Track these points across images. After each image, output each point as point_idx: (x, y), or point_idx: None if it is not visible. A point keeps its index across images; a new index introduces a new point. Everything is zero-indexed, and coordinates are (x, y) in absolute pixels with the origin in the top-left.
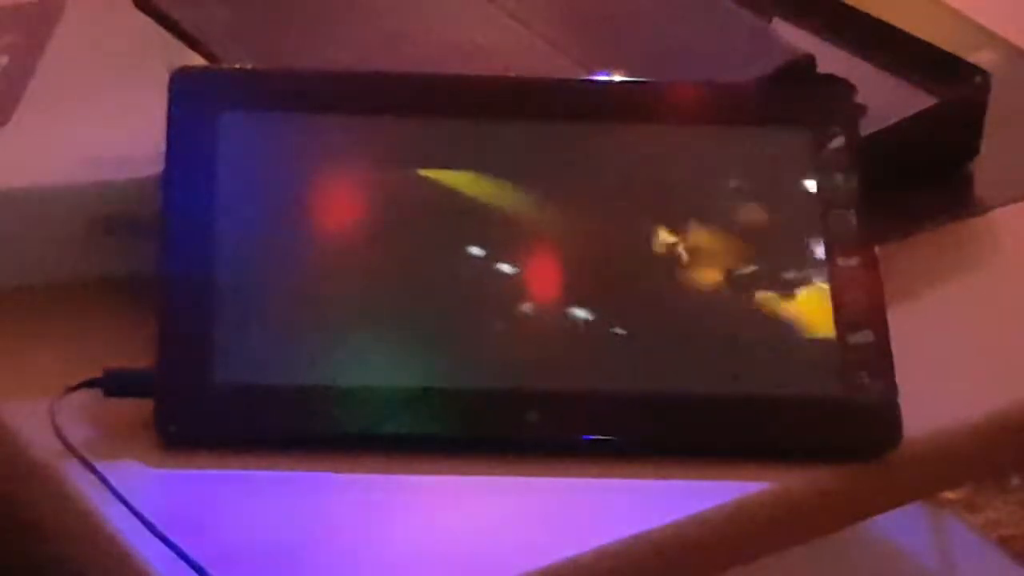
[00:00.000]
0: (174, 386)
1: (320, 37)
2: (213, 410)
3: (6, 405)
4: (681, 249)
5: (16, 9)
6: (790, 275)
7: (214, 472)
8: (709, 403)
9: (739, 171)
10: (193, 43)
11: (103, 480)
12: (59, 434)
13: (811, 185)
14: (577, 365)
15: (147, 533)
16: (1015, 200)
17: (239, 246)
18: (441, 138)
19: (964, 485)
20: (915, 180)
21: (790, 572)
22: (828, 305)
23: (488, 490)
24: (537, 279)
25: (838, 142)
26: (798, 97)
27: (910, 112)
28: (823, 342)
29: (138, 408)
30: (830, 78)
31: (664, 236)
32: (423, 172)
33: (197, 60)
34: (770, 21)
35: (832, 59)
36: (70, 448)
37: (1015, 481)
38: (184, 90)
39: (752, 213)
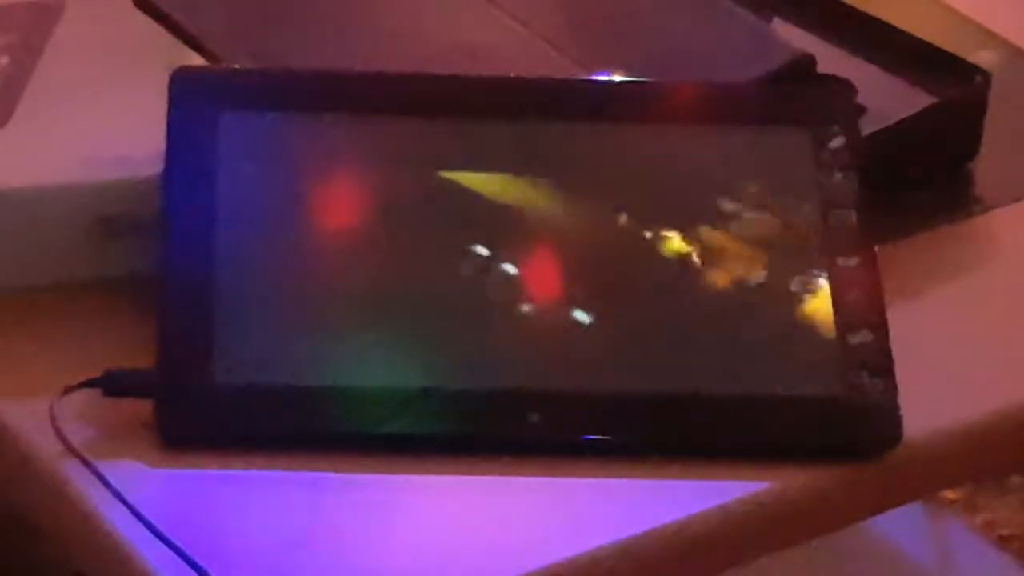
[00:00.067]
0: (174, 386)
1: (320, 37)
2: (213, 410)
3: (6, 405)
4: (680, 249)
5: (16, 9)
6: (790, 275)
7: (214, 472)
8: (709, 403)
9: (739, 171)
10: (193, 43)
11: (103, 480)
12: (59, 434)
13: (811, 185)
14: (578, 365)
15: (147, 533)
16: (1015, 200)
17: (239, 246)
18: (441, 138)
19: (964, 485)
20: (915, 180)
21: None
22: (828, 305)
23: (488, 490)
24: (537, 279)
25: (838, 142)
26: (798, 97)
27: (910, 112)
28: (823, 342)
29: (138, 408)
30: (830, 78)
31: (664, 236)
32: (424, 172)
33: (197, 60)
34: (770, 21)
35: (832, 59)
36: (70, 448)
37: (1015, 481)
38: (184, 90)
39: (752, 213)
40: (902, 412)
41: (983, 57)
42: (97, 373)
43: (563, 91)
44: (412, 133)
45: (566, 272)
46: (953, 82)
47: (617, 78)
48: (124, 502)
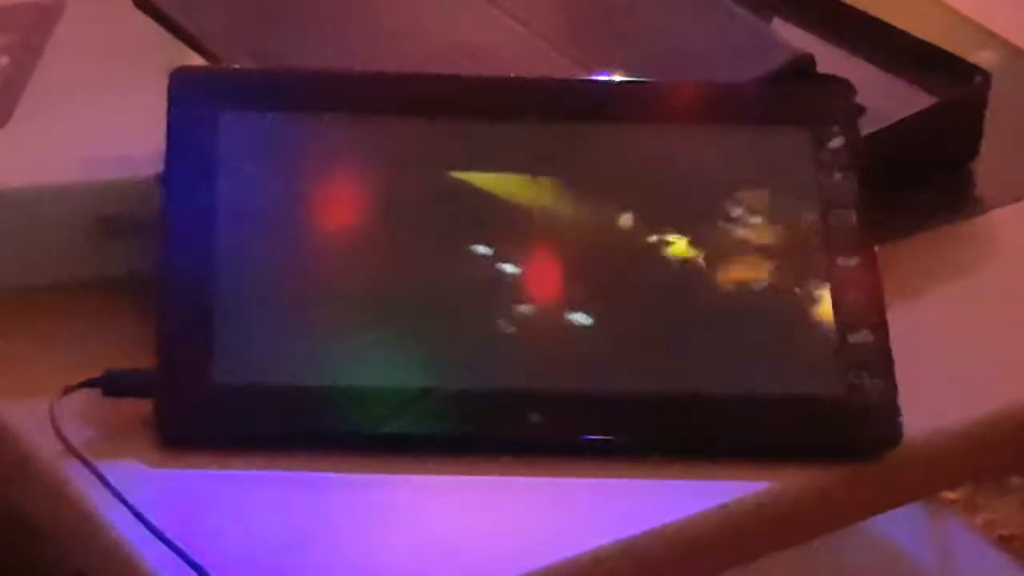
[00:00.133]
0: (174, 386)
1: (320, 37)
2: (213, 410)
3: (6, 405)
4: (680, 249)
5: (16, 9)
6: (790, 275)
7: (214, 472)
8: (709, 403)
9: (739, 171)
10: (193, 43)
11: (103, 480)
12: (59, 434)
13: (811, 185)
14: (578, 365)
15: (147, 533)
16: (1015, 200)
17: (239, 246)
18: (441, 138)
19: (964, 485)
20: (915, 180)
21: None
22: (828, 305)
23: (488, 490)
24: (537, 279)
25: (838, 142)
26: (798, 97)
27: (910, 112)
28: (823, 342)
29: (138, 408)
30: (830, 78)
31: (663, 236)
32: (423, 172)
33: (197, 60)
34: (770, 21)
35: (832, 59)
36: (70, 448)
37: (1015, 481)
38: (184, 90)
39: (752, 214)
40: (902, 412)
41: (983, 57)
42: (97, 373)
43: (563, 91)
44: (412, 133)
45: (566, 272)
46: (953, 82)
47: (617, 78)
48: (124, 502)
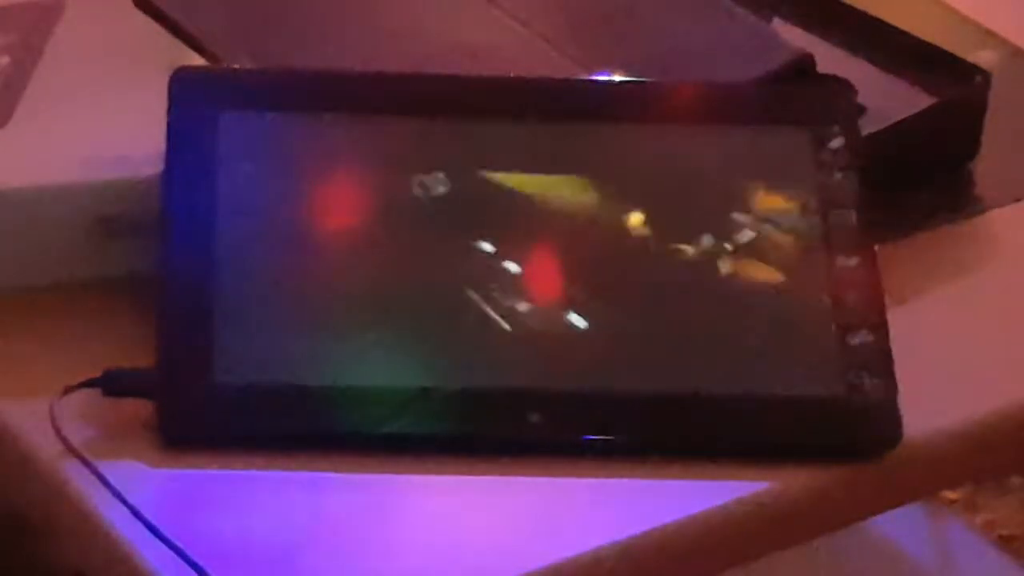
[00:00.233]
0: (174, 386)
1: (320, 37)
2: (213, 410)
3: (6, 405)
4: (680, 249)
5: (16, 9)
6: (790, 275)
7: (214, 472)
8: (709, 403)
9: (739, 171)
10: (193, 43)
11: (103, 480)
12: (59, 434)
13: (811, 185)
14: (578, 365)
15: (147, 533)
16: (1015, 200)
17: (239, 246)
18: (441, 139)
19: (964, 485)
20: (915, 180)
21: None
22: (828, 305)
23: (488, 490)
24: (537, 279)
25: (838, 142)
26: (798, 97)
27: (910, 112)
28: (823, 342)
29: (138, 408)
30: (830, 78)
31: (662, 236)
32: (424, 172)
33: (197, 60)
34: (770, 21)
35: (832, 59)
36: (70, 448)
37: (1015, 481)
38: (184, 90)
39: (752, 213)
40: (902, 412)
41: (983, 57)
42: (97, 373)
43: (563, 91)
44: (412, 133)
45: (566, 271)
46: (953, 82)
47: (617, 78)
48: (124, 502)
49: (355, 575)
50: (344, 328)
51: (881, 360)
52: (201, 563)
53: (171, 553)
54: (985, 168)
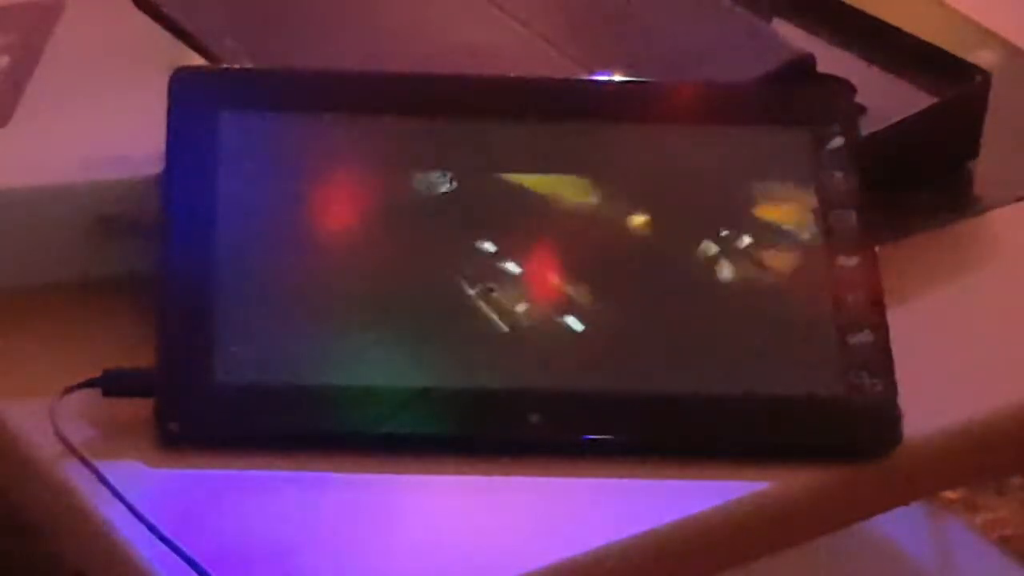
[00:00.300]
0: (174, 386)
1: (320, 37)
2: (213, 410)
3: (6, 405)
4: (680, 249)
5: (16, 9)
6: (790, 275)
7: (214, 472)
8: (709, 403)
9: (739, 171)
10: (193, 43)
11: (103, 480)
12: (59, 434)
13: (811, 185)
14: (578, 365)
15: (147, 533)
16: (1015, 200)
17: (239, 246)
18: (441, 138)
19: (964, 485)
20: (915, 180)
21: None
22: (828, 305)
23: (488, 490)
24: (537, 278)
25: (838, 142)
26: (798, 97)
27: (910, 112)
28: (823, 342)
29: (138, 408)
30: (830, 78)
31: (663, 236)
32: (424, 172)
33: (197, 60)
34: (770, 21)
35: (832, 59)
36: (70, 448)
37: (1015, 481)
38: (184, 90)
39: (752, 214)
40: (902, 412)
41: (983, 57)
42: (97, 373)
43: (563, 91)
44: (412, 133)
45: (566, 271)
46: (953, 82)
47: (617, 78)
48: (124, 502)
49: (355, 575)
50: (344, 328)
51: (881, 360)
52: (201, 563)
53: (171, 553)
54: (985, 168)
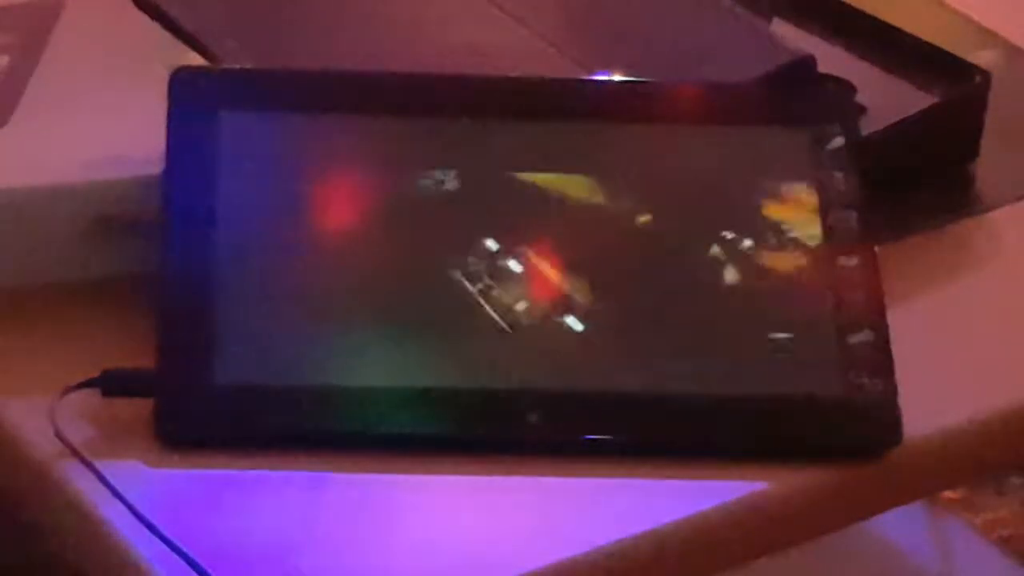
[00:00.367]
0: (174, 386)
1: (320, 37)
2: (213, 410)
3: (6, 405)
4: (680, 249)
5: (16, 9)
6: (790, 275)
7: (214, 472)
8: (709, 403)
9: (739, 171)
10: (193, 43)
11: (103, 480)
12: (59, 434)
13: (811, 185)
14: (578, 365)
15: (147, 533)
16: (1015, 200)
17: (239, 246)
18: (441, 139)
19: (964, 485)
20: (915, 180)
21: (790, 572)
22: (828, 305)
23: (488, 490)
24: (537, 278)
25: (838, 142)
26: (798, 97)
27: (910, 112)
28: (823, 342)
29: (138, 408)
30: (830, 78)
31: (662, 236)
32: (423, 172)
33: (197, 60)
34: (770, 21)
35: (832, 59)
36: (70, 448)
37: (1015, 481)
38: (184, 90)
39: (752, 214)
40: (902, 412)
41: (983, 57)
42: (97, 373)
43: (563, 91)
44: (412, 133)
45: (566, 271)
46: (953, 82)
47: (617, 78)
48: (124, 502)
49: (355, 575)
50: (344, 328)
51: (881, 360)
52: (200, 562)
53: (171, 552)
54: (985, 168)
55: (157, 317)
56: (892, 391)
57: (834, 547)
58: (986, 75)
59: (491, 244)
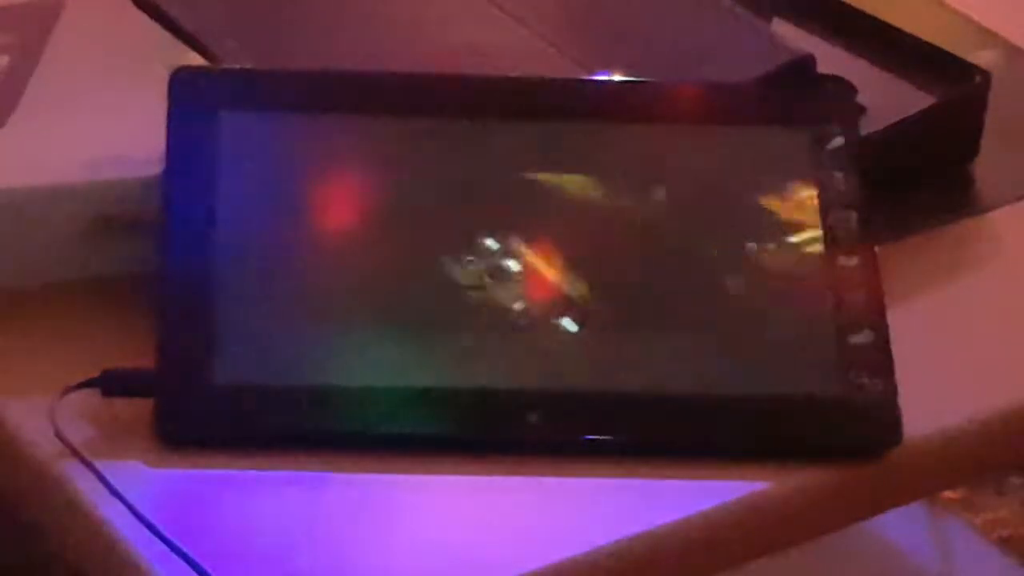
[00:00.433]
0: (174, 386)
1: (320, 37)
2: (213, 410)
3: (6, 405)
4: (680, 250)
5: (16, 9)
6: (790, 275)
7: (214, 472)
8: (709, 403)
9: (739, 171)
10: (193, 43)
11: (103, 480)
12: (59, 434)
13: (811, 185)
14: (577, 365)
15: (147, 533)
16: (1015, 200)
17: (239, 246)
18: (441, 138)
19: (964, 485)
20: (915, 180)
21: (790, 572)
22: (828, 305)
23: (488, 490)
24: (537, 278)
25: (838, 142)
26: (798, 97)
27: (910, 112)
28: (823, 342)
29: (138, 408)
30: (830, 78)
31: (662, 236)
32: (424, 171)
33: (197, 60)
34: (770, 21)
35: (832, 59)
36: (70, 448)
37: (1015, 481)
38: (184, 90)
39: (752, 213)
40: (902, 412)
41: (983, 57)
42: (97, 373)
43: (563, 91)
44: (412, 132)
45: (566, 270)
46: (953, 82)
47: (617, 78)
48: (124, 502)
49: (355, 575)
50: (344, 328)
51: (881, 360)
52: (201, 562)
53: (170, 552)
54: (985, 168)
55: (157, 317)
56: (892, 391)
57: (834, 547)
58: (986, 75)
59: (491, 244)
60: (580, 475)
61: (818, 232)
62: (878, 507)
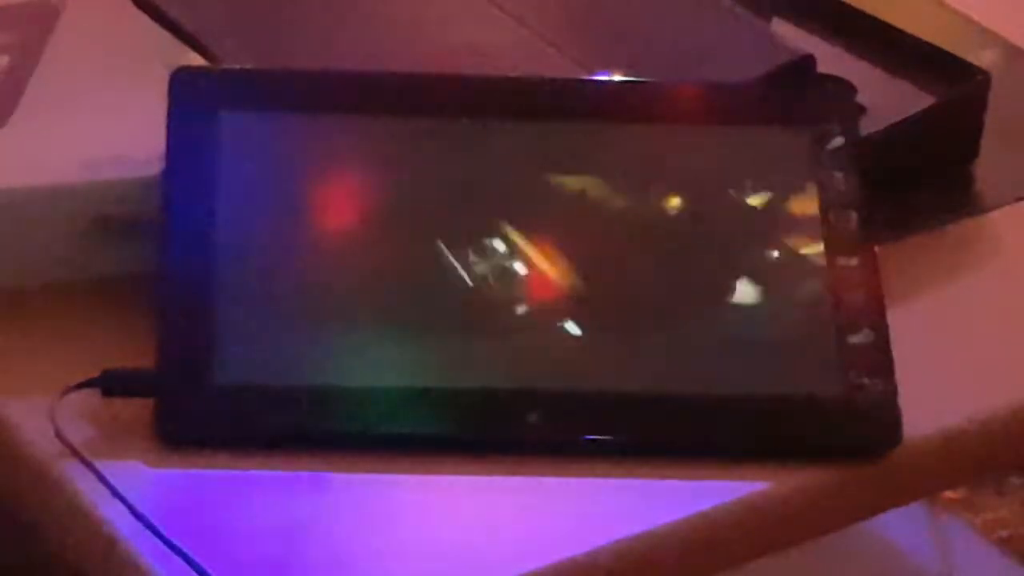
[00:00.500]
0: (174, 386)
1: (320, 37)
2: (213, 410)
3: (6, 405)
4: (680, 250)
5: (16, 9)
6: (790, 275)
7: (214, 472)
8: (709, 403)
9: (739, 171)
10: (193, 43)
11: (103, 480)
12: (59, 434)
13: (811, 185)
14: (578, 365)
15: (147, 533)
16: (1015, 200)
17: (239, 246)
18: (441, 138)
19: (964, 485)
20: (915, 180)
21: (790, 572)
22: (828, 305)
23: (488, 490)
24: (538, 278)
25: (838, 142)
26: (798, 97)
27: (910, 112)
28: (823, 342)
29: (138, 408)
30: (830, 78)
31: (662, 237)
32: (424, 171)
33: (197, 60)
34: (770, 21)
35: (832, 59)
36: (70, 448)
37: (1015, 481)
38: (184, 90)
39: (752, 213)
40: (902, 412)
41: (983, 57)
42: (97, 373)
43: (563, 91)
44: (412, 133)
45: (567, 270)
46: (953, 82)
47: (617, 78)
48: (124, 502)
49: (354, 575)
50: (344, 328)
51: (881, 360)
52: (201, 563)
53: (170, 552)
54: (985, 168)
55: (157, 317)
56: (892, 391)
57: (834, 547)
58: (986, 75)
59: (491, 244)
60: (580, 475)
61: (818, 232)
62: (878, 507)
